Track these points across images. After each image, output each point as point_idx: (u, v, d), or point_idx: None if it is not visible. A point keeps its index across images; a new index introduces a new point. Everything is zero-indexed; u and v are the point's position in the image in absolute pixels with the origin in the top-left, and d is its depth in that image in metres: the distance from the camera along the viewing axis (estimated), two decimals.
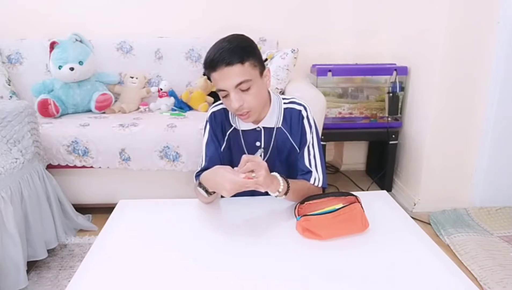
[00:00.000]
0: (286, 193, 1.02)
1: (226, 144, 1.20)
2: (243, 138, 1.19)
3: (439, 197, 2.10)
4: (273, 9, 2.49)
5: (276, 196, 1.01)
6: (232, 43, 1.02)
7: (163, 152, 1.85)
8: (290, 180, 1.04)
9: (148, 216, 1.08)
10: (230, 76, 1.01)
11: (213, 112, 1.21)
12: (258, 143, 1.18)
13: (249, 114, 1.08)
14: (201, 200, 1.12)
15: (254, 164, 0.93)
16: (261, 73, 1.08)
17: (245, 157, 0.94)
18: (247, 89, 1.03)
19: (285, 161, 1.20)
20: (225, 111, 1.19)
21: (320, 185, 1.15)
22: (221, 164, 1.06)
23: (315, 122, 1.19)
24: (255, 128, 1.17)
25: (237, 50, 1.01)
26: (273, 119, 1.16)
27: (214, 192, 1.03)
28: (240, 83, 1.02)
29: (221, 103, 1.19)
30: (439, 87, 1.96)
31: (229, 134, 1.20)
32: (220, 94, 1.07)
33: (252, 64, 1.03)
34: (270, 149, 1.18)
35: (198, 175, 1.18)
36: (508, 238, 1.80)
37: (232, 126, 1.19)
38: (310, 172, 1.15)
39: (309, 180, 1.14)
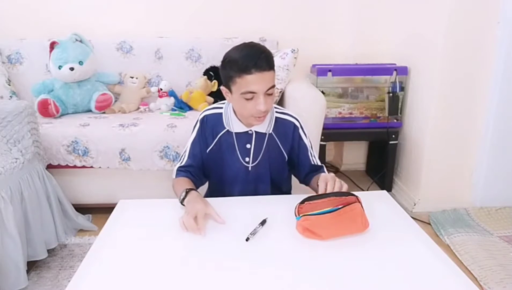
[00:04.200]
0: None
1: (217, 144, 1.24)
2: (236, 139, 1.22)
3: (439, 197, 2.10)
4: (273, 9, 2.49)
5: None
6: (264, 50, 1.08)
7: (163, 152, 1.85)
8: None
9: (148, 216, 1.08)
10: (265, 80, 1.07)
11: (206, 116, 1.25)
12: (248, 146, 1.23)
13: (265, 116, 1.14)
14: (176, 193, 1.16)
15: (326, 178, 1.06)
16: None
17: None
18: (271, 94, 1.11)
19: (274, 163, 1.27)
20: (218, 116, 1.23)
21: None
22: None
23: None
24: (247, 131, 1.21)
25: (270, 57, 1.09)
26: (265, 124, 1.21)
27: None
28: (270, 88, 1.09)
29: (215, 108, 1.24)
30: (439, 87, 1.96)
31: (220, 136, 1.23)
32: (245, 96, 1.08)
33: (275, 72, 1.12)
34: (261, 152, 1.23)
35: (179, 170, 1.25)
36: (508, 238, 1.80)
37: (225, 128, 1.22)
38: (321, 166, 1.29)
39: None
